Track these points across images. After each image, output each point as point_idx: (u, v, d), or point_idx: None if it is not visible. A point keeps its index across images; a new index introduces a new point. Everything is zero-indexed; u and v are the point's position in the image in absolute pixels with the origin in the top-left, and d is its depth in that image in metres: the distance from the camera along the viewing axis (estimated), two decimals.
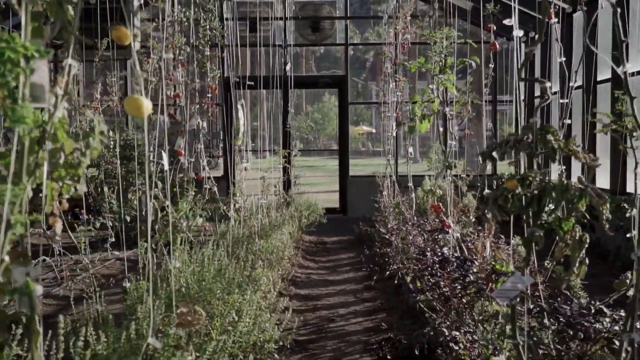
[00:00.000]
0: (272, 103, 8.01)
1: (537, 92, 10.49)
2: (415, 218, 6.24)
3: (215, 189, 6.03)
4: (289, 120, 8.66)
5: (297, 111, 33.23)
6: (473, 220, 5.89)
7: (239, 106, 3.59)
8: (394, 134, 6.99)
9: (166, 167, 4.98)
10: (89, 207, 7.87)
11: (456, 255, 3.49)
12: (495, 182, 7.08)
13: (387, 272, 5.41)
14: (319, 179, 18.89)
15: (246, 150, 7.14)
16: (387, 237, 5.86)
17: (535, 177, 2.13)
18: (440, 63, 4.24)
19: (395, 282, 5.30)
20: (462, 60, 4.22)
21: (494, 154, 2.27)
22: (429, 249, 3.98)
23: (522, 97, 11.16)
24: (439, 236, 5.19)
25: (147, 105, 1.84)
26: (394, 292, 5.48)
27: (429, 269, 3.79)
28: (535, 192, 2.14)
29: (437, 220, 6.48)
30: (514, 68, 11.19)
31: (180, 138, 5.03)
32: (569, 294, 2.70)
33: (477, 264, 3.35)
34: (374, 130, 36.73)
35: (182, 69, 5.09)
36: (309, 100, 39.39)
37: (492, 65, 5.61)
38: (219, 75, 6.09)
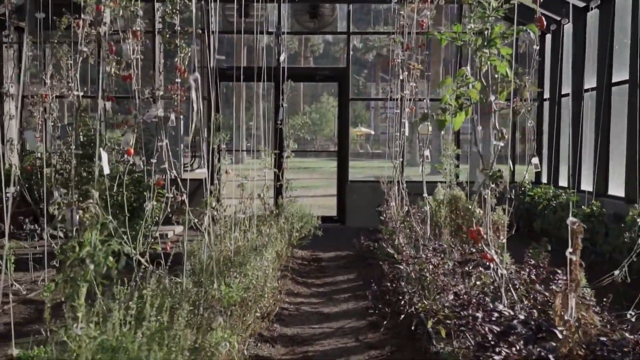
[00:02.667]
0: (260, 97, 6.77)
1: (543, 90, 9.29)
2: (432, 238, 5.02)
3: (185, 197, 4.79)
4: (281, 115, 7.41)
5: (295, 111, 31.93)
6: (504, 240, 4.70)
7: (191, 81, 2.36)
8: (407, 132, 5.75)
9: (106, 171, 3.75)
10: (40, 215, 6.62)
11: (522, 318, 2.26)
12: (514, 190, 5.69)
13: (402, 315, 4.17)
14: (315, 181, 17.68)
15: (227, 151, 5.88)
16: (400, 266, 4.60)
17: None
18: (487, 32, 3.01)
19: (413, 328, 4.05)
20: (520, 28, 3.00)
21: None
22: (473, 300, 2.75)
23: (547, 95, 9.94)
24: (471, 268, 3.95)
25: None
26: (407, 335, 4.26)
27: (472, 326, 2.56)
28: None
29: (460, 242, 5.26)
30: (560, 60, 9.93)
31: (129, 132, 3.78)
32: None
33: (557, 332, 2.12)
34: (372, 132, 35.46)
35: (134, 41, 3.85)
36: (307, 101, 38.08)
37: (538, 47, 4.35)
38: (190, 54, 4.84)
